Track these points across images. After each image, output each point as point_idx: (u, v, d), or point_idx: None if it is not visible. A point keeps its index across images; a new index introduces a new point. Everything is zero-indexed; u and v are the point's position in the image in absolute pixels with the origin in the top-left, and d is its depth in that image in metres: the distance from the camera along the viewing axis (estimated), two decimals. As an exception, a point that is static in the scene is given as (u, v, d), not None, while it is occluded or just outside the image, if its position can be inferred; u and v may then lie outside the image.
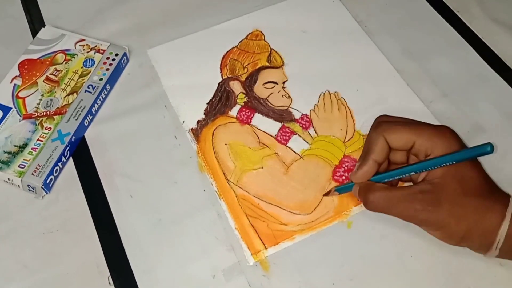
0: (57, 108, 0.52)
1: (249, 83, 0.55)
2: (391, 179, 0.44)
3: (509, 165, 0.49)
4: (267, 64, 0.56)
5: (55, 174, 0.49)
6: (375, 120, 0.45)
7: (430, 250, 0.44)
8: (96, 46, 0.56)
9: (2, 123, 0.50)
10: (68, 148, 0.50)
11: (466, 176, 0.41)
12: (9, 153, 0.49)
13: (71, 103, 0.52)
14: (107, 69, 0.54)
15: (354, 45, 0.57)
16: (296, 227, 0.46)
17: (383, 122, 0.44)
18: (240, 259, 0.45)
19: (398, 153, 0.44)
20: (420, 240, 0.45)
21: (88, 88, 0.53)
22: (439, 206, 0.40)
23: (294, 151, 0.50)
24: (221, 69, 0.56)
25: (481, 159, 0.49)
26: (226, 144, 0.51)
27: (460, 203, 0.40)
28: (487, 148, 0.39)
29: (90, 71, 0.54)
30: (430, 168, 0.41)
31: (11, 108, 0.52)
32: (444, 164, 0.40)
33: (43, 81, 0.53)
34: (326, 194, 0.47)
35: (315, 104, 0.53)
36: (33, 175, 0.47)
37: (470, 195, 0.40)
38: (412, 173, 0.42)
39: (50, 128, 0.50)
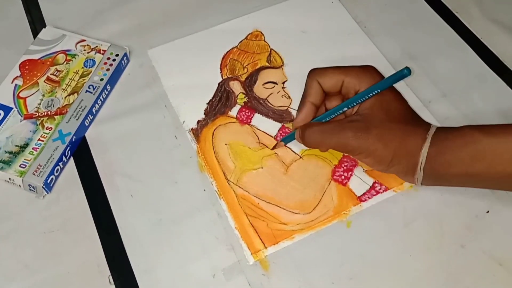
0: (58, 108, 0.52)
1: (249, 83, 0.55)
2: (327, 119, 0.47)
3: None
4: (267, 64, 0.56)
5: (56, 174, 0.49)
6: (309, 71, 0.48)
7: (429, 250, 0.44)
8: (96, 46, 0.56)
9: (3, 123, 0.50)
10: (69, 148, 0.49)
11: (391, 106, 0.44)
12: (10, 153, 0.49)
13: (72, 103, 0.52)
14: (108, 70, 0.54)
15: (353, 46, 0.57)
16: (295, 226, 0.46)
17: (316, 69, 0.47)
18: (240, 259, 0.45)
19: (333, 100, 0.48)
20: (419, 240, 0.45)
21: (89, 88, 0.53)
22: (368, 131, 0.43)
23: (293, 151, 0.50)
24: (221, 69, 0.56)
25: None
26: (226, 144, 0.51)
27: (386, 128, 0.43)
28: (404, 71, 0.42)
29: (91, 72, 0.54)
30: (359, 101, 0.45)
31: (12, 108, 0.52)
32: (371, 95, 0.44)
33: (44, 81, 0.53)
34: (274, 147, 0.50)
35: (314, 104, 0.53)
36: (34, 175, 0.47)
37: (395, 121, 0.44)
38: (344, 109, 0.46)
39: (51, 128, 0.50)
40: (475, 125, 0.43)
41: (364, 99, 0.44)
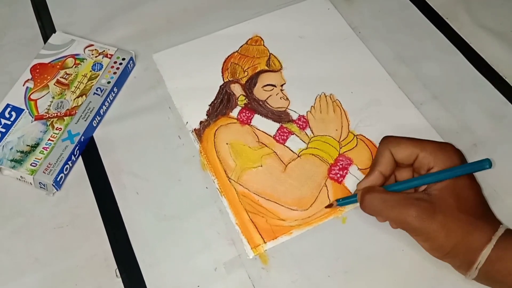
0: (67, 109, 0.51)
1: (249, 86, 0.55)
2: (392, 189, 0.43)
3: (495, 164, 0.49)
4: (266, 68, 0.56)
5: (65, 172, 0.48)
6: (382, 138, 0.44)
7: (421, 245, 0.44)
8: (104, 51, 0.56)
9: (15, 124, 0.50)
10: (77, 147, 0.49)
11: (463, 194, 0.40)
12: (21, 152, 0.49)
13: (81, 105, 0.52)
14: (115, 73, 0.54)
15: (348, 50, 0.57)
16: (293, 222, 0.46)
17: (389, 137, 0.44)
18: (240, 253, 0.45)
19: (404, 171, 0.44)
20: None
21: (97, 90, 0.53)
22: (433, 216, 0.39)
23: (291, 150, 0.50)
24: (222, 72, 0.56)
25: (467, 158, 0.49)
26: (227, 144, 0.51)
27: (453, 217, 0.39)
28: (486, 165, 0.39)
29: (99, 75, 0.54)
30: (431, 182, 0.41)
31: (24, 109, 0.51)
32: (445, 178, 0.40)
33: (54, 84, 0.53)
34: (328, 206, 0.46)
35: (311, 106, 0.53)
36: (45, 173, 0.47)
37: (464, 211, 0.39)
38: (413, 187, 0.42)
39: (61, 128, 0.50)
40: None
41: (440, 180, 0.40)
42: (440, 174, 0.41)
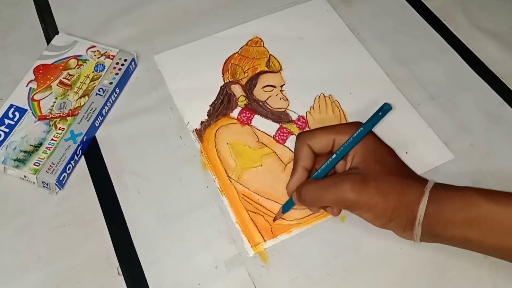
0: (70, 110, 0.52)
1: (249, 86, 0.55)
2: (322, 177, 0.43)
3: (491, 163, 0.49)
4: (266, 69, 0.56)
5: (68, 172, 0.48)
6: (297, 135, 0.45)
7: (419, 244, 0.44)
8: (106, 52, 0.56)
9: (18, 124, 0.50)
10: (80, 147, 0.49)
11: (385, 160, 0.41)
12: (25, 152, 0.49)
13: (83, 105, 0.52)
14: (117, 74, 0.54)
15: (347, 51, 0.57)
16: (293, 221, 0.46)
17: (303, 132, 0.45)
18: (240, 251, 0.45)
19: (323, 159, 0.44)
20: (409, 233, 0.45)
21: (99, 91, 0.53)
22: (366, 183, 0.39)
23: (291, 150, 0.50)
24: (223, 73, 0.56)
25: (463, 157, 0.49)
26: (227, 144, 0.51)
27: (384, 180, 0.40)
28: (385, 107, 0.42)
29: (101, 76, 0.54)
30: (349, 148, 0.42)
31: (27, 110, 0.51)
32: (359, 137, 0.41)
33: (57, 85, 0.53)
34: (275, 219, 0.46)
35: (311, 106, 0.53)
36: (48, 172, 0.47)
37: (391, 174, 0.40)
38: (334, 163, 0.43)
39: (63, 128, 0.50)
40: (477, 188, 0.39)
41: (354, 143, 0.41)
42: (354, 138, 0.41)
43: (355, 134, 0.42)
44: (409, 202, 0.39)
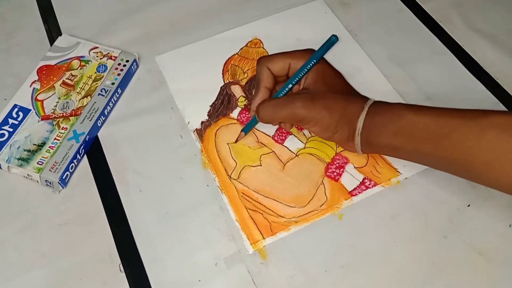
0: (73, 110, 0.52)
1: (249, 87, 0.55)
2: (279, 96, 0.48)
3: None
4: (266, 69, 0.56)
5: (70, 171, 0.49)
6: (257, 59, 0.49)
7: (415, 241, 0.44)
8: (108, 53, 0.56)
9: (22, 124, 0.51)
10: (82, 146, 0.50)
11: (332, 81, 0.47)
12: (28, 151, 0.49)
13: (86, 105, 0.52)
14: (119, 74, 0.54)
15: (345, 52, 0.57)
16: (291, 219, 0.46)
17: (264, 56, 0.49)
18: (240, 248, 0.45)
19: (281, 84, 0.49)
20: (405, 231, 0.45)
21: (101, 91, 0.53)
22: (314, 101, 0.44)
23: (290, 150, 0.50)
24: (223, 74, 0.56)
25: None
26: (227, 144, 0.51)
27: (330, 98, 0.45)
28: (332, 38, 0.48)
29: (103, 76, 0.54)
30: (302, 74, 0.47)
31: (31, 110, 0.52)
32: (311, 64, 0.46)
33: (60, 85, 0.54)
34: (237, 140, 0.50)
35: (309, 107, 0.53)
36: (51, 171, 0.47)
37: (337, 93, 0.46)
38: (291, 85, 0.47)
39: (66, 128, 0.50)
40: (407, 104, 0.45)
41: (307, 69, 0.46)
42: (305, 64, 0.47)
43: (306, 63, 0.47)
44: (351, 116, 0.44)
